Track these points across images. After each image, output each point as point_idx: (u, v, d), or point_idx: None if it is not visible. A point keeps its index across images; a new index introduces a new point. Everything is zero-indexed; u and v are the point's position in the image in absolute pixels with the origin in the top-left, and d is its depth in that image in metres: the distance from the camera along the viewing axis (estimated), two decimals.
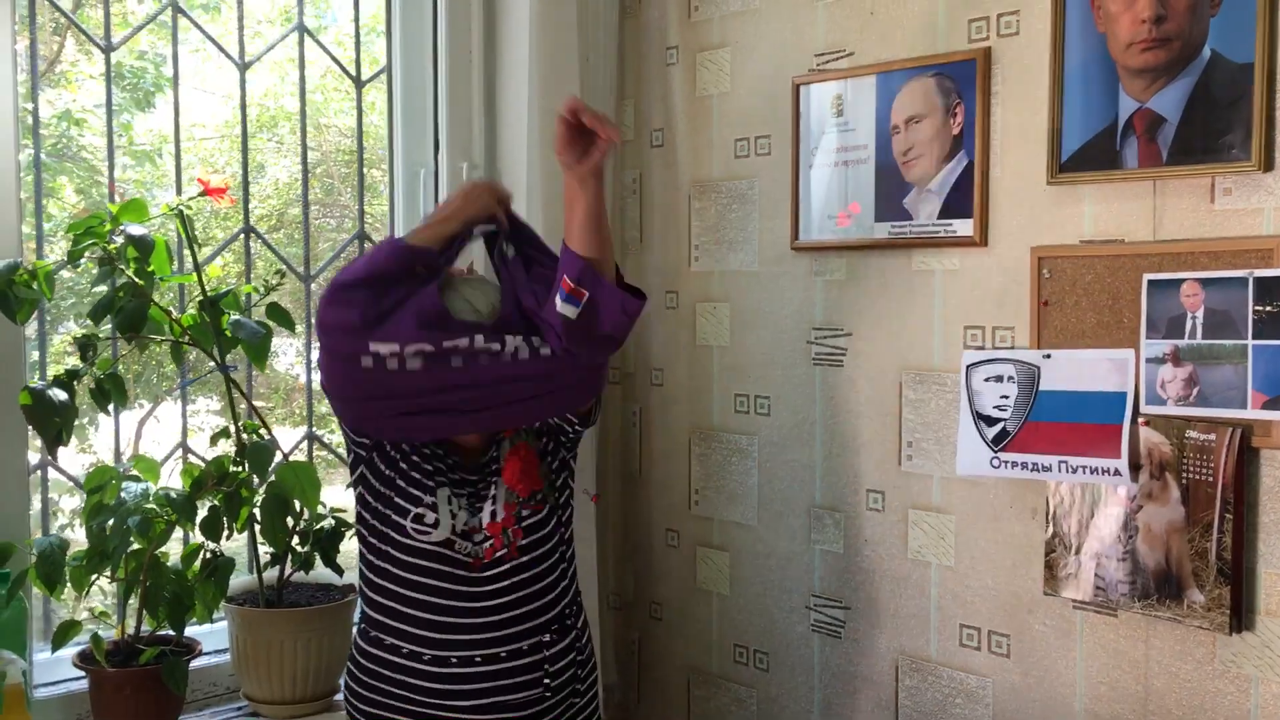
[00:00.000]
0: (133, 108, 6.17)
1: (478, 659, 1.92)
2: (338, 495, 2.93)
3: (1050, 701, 2.14)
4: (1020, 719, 2.18)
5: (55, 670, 2.35)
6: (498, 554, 1.95)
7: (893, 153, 2.31)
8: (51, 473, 2.43)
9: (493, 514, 1.96)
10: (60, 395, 2.03)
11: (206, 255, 2.86)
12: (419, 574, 1.94)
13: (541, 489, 1.99)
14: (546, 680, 1.96)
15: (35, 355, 2.39)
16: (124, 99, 6.24)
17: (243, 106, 2.69)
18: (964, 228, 2.21)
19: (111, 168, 2.60)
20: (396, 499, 1.96)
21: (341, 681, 2.13)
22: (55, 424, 2.01)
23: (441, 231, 1.91)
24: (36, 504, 2.38)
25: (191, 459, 2.50)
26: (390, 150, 2.87)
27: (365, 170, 2.97)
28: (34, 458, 2.34)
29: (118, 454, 2.60)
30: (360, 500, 2.02)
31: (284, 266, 2.55)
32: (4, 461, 2.21)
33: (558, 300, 1.84)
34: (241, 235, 2.70)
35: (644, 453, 2.84)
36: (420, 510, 1.94)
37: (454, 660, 1.92)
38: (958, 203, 2.21)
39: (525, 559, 1.96)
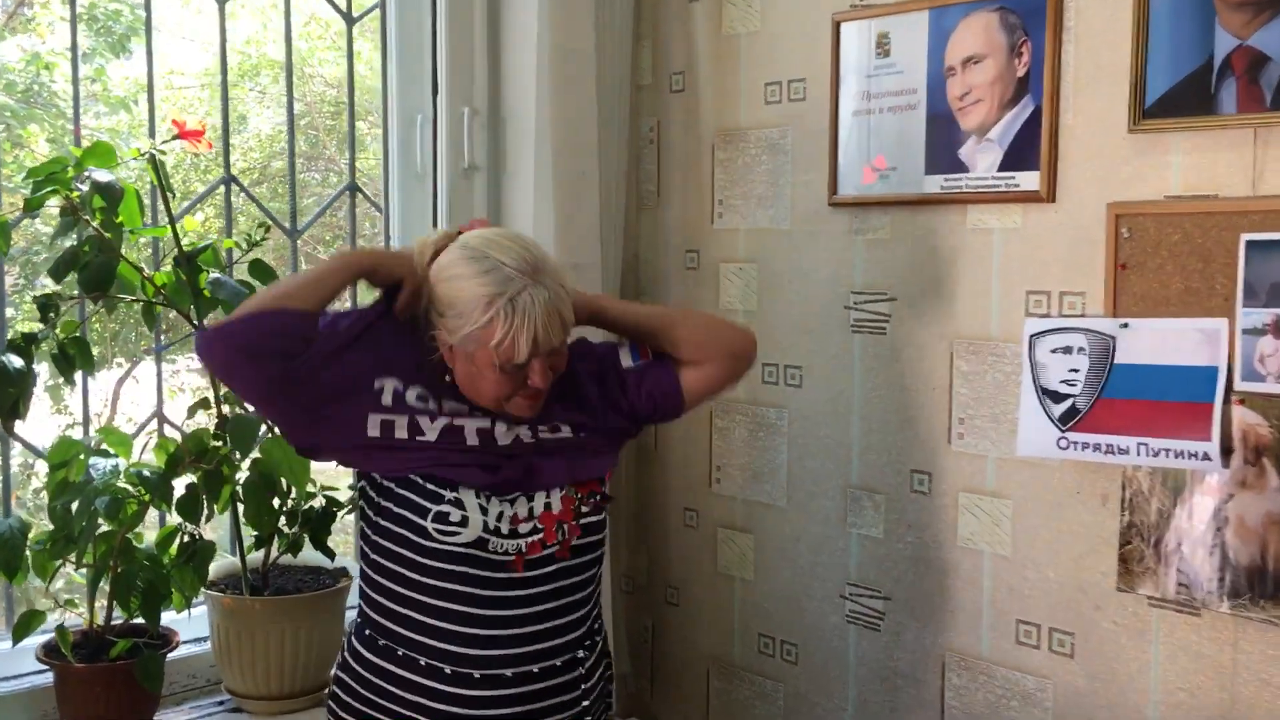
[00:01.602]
0: (106, 53, 5.88)
1: (508, 675, 1.65)
2: (328, 472, 2.70)
3: (1119, 707, 1.94)
4: None
5: (19, 663, 2.13)
6: (547, 550, 1.67)
7: (947, 98, 2.08)
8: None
9: (547, 505, 1.69)
10: (15, 362, 1.80)
11: (183, 208, 2.62)
12: (443, 579, 1.65)
13: (602, 490, 1.75)
14: (585, 703, 1.71)
15: None
16: (97, 44, 5.94)
17: (222, 45, 2.43)
18: (1028, 181, 1.98)
19: (77, 109, 2.35)
20: (411, 495, 1.67)
21: (332, 677, 1.84)
22: (10, 394, 1.78)
23: (322, 290, 1.65)
24: None
25: (168, 430, 2.27)
26: (384, 94, 2.62)
27: (355, 120, 2.72)
28: None
29: (86, 424, 2.37)
30: (364, 495, 1.74)
31: (268, 220, 2.30)
32: None
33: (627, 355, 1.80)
34: (222, 186, 2.45)
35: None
36: (443, 508, 1.64)
37: (478, 677, 1.64)
38: (1022, 153, 1.99)
39: (573, 562, 1.70)
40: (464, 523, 1.63)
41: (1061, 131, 1.95)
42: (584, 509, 1.70)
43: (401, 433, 1.65)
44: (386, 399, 1.67)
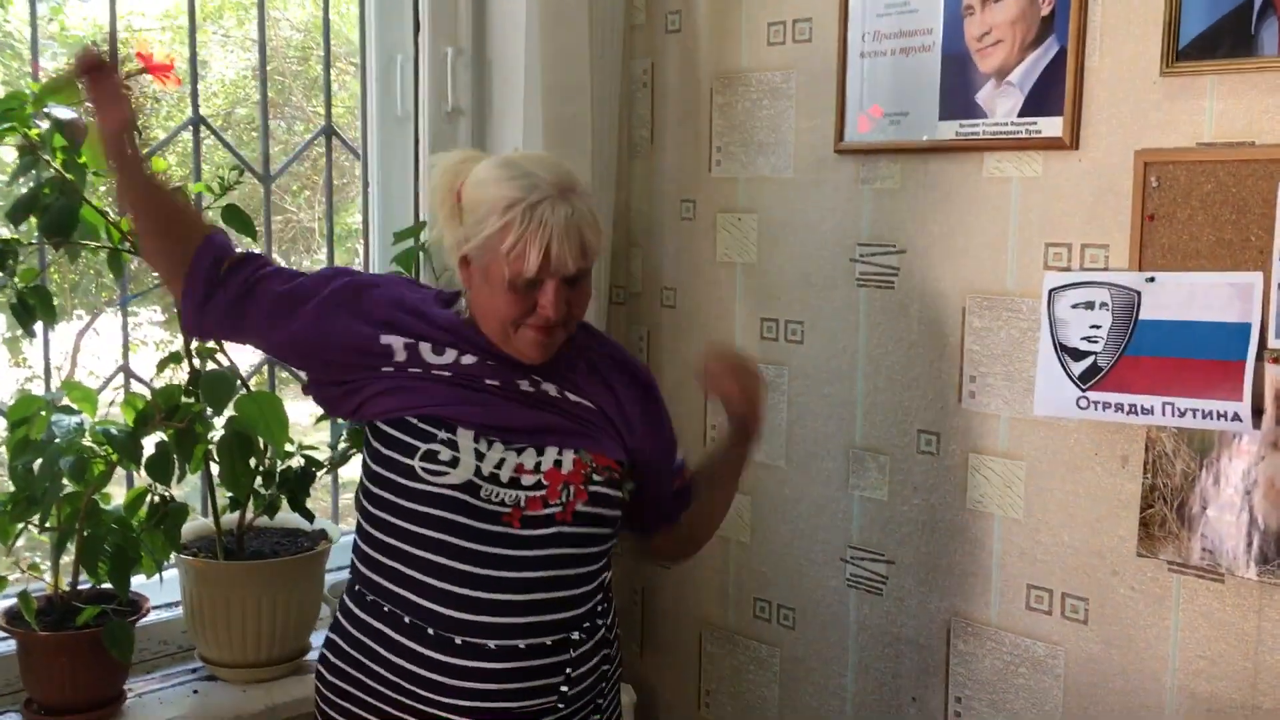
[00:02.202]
0: None
1: (491, 646, 1.54)
2: (304, 421, 2.58)
3: (1135, 675, 1.87)
4: (1099, 693, 1.91)
5: None
6: (549, 509, 1.56)
7: (964, 38, 1.97)
8: None
9: (557, 462, 1.59)
10: None
11: (149, 150, 2.47)
12: (430, 526, 1.54)
13: (620, 469, 1.66)
14: (564, 688, 1.59)
15: None
16: None
17: None
18: (1051, 127, 1.88)
19: (35, 44, 2.19)
20: (404, 435, 1.57)
21: (317, 657, 1.73)
22: None
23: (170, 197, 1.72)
24: None
25: (135, 386, 2.15)
26: (361, 32, 2.48)
27: (330, 61, 2.58)
28: None
29: (48, 379, 2.24)
30: (365, 443, 1.66)
31: (240, 165, 2.16)
32: None
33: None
34: (190, 128, 2.31)
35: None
36: (433, 446, 1.55)
37: (459, 643, 1.54)
38: (1044, 98, 1.88)
39: (576, 530, 1.58)
40: (454, 463, 1.54)
41: (1087, 74, 1.85)
42: (596, 478, 1.60)
43: (415, 369, 1.60)
44: (399, 355, 1.61)
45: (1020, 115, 1.91)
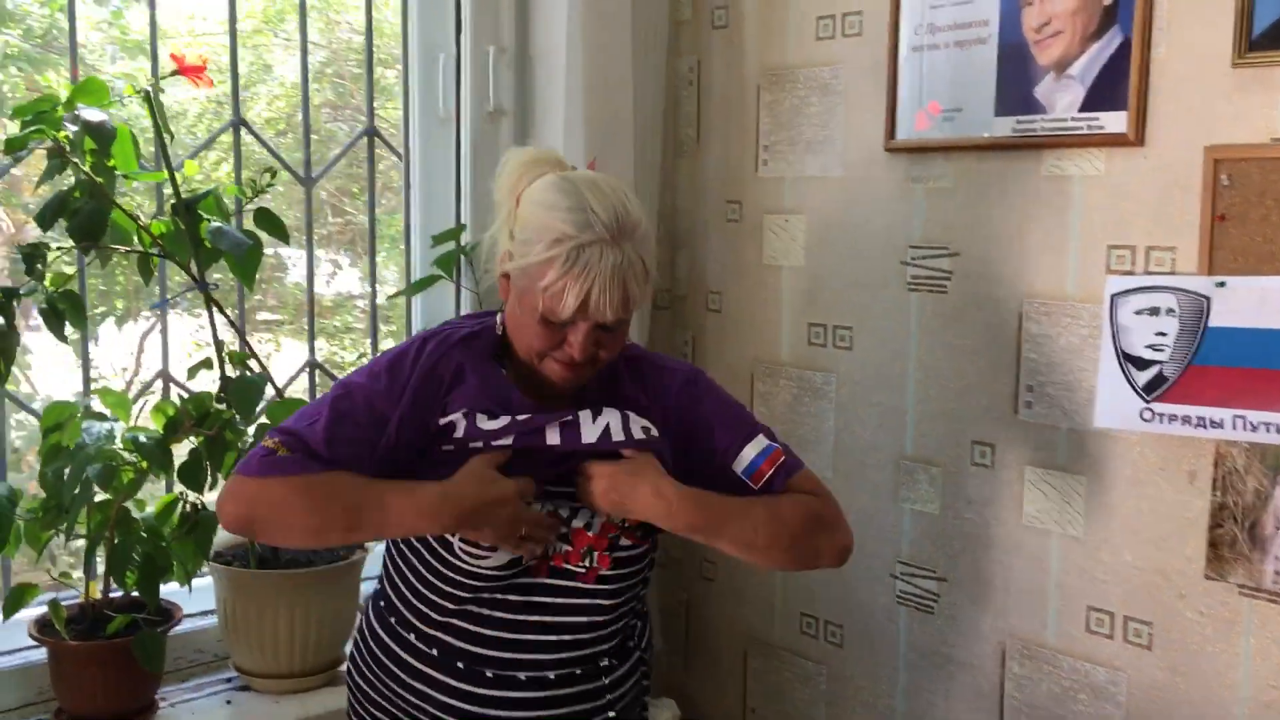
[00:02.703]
0: None
1: (522, 678, 1.50)
2: None
3: (1202, 704, 1.76)
4: None
5: (13, 637, 1.99)
6: (571, 568, 1.51)
7: (1022, 29, 1.87)
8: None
9: (587, 525, 1.51)
10: None
11: (191, 152, 2.45)
12: (463, 588, 1.51)
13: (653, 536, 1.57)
14: (612, 714, 1.54)
15: None
16: None
17: None
18: (1114, 122, 1.78)
19: (74, 45, 2.17)
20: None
21: (346, 660, 1.73)
22: None
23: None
24: None
25: (175, 392, 2.12)
26: (404, 32, 2.44)
27: (373, 60, 2.54)
28: None
29: (87, 385, 2.23)
30: None
31: (275, 166, 2.13)
32: None
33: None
34: (231, 130, 2.28)
35: None
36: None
37: (490, 676, 1.50)
38: (1107, 92, 1.78)
39: (598, 588, 1.52)
40: (495, 547, 1.46)
41: (1153, 66, 1.74)
42: (623, 541, 1.52)
43: (476, 444, 1.47)
44: (459, 430, 1.49)
45: (1081, 110, 1.81)
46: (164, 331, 2.34)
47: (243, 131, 2.27)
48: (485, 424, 1.48)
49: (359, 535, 1.48)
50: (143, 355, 3.46)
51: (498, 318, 1.59)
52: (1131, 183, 1.78)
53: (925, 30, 1.99)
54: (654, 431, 1.54)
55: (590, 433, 1.50)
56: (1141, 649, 1.82)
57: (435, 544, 1.50)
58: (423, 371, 1.49)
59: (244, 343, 2.02)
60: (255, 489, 1.42)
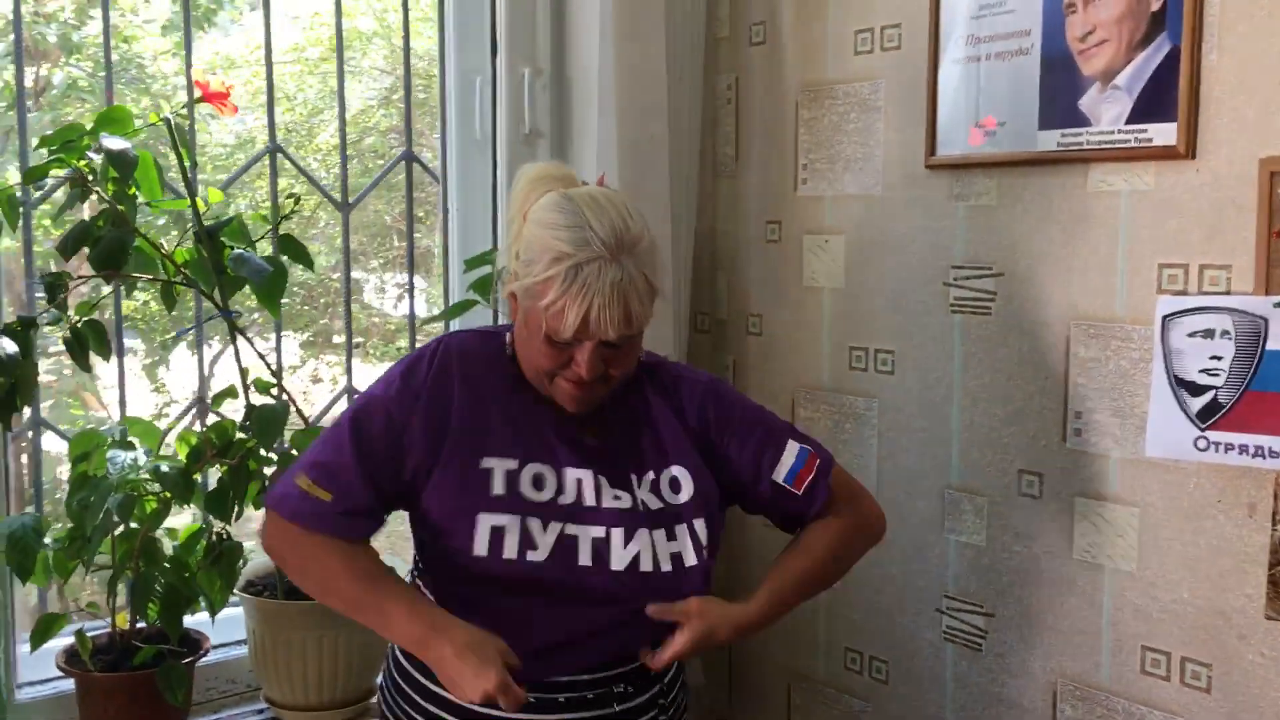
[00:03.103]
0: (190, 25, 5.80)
1: (532, 700, 1.44)
2: None
3: None
4: None
5: (44, 667, 1.99)
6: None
7: (1066, 39, 1.79)
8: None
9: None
10: (7, 348, 1.63)
11: (227, 179, 2.46)
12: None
13: None
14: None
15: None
16: (176, 16, 5.87)
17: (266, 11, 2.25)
18: (1163, 135, 1.68)
19: (109, 72, 2.18)
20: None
21: (378, 684, 1.70)
22: (1, 385, 1.61)
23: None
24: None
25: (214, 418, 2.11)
26: (441, 55, 2.42)
27: (410, 84, 2.53)
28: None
29: (123, 408, 2.23)
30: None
31: (294, 194, 2.10)
32: None
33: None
34: (268, 156, 2.27)
35: None
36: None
37: (531, 700, 1.46)
38: (1155, 102, 1.69)
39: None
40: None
41: (1204, 75, 1.65)
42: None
43: (510, 551, 1.45)
44: (498, 486, 1.48)
45: (1129, 122, 1.72)
46: (200, 359, 2.35)
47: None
48: (530, 492, 1.48)
49: (359, 621, 1.50)
50: (211, 380, 3.49)
51: (506, 337, 1.56)
52: (1183, 198, 1.69)
53: (966, 42, 1.92)
54: (682, 497, 1.53)
55: (620, 558, 1.48)
56: (1200, 692, 1.71)
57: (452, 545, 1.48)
58: (436, 372, 1.50)
59: (278, 370, 1.99)
60: (285, 534, 1.49)
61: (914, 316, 2.04)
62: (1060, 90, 1.80)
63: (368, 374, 2.01)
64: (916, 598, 2.08)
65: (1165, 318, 1.68)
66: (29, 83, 5.26)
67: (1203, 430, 1.63)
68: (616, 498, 1.50)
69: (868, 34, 2.09)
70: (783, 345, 2.28)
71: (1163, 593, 1.75)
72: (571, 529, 1.47)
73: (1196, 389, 1.64)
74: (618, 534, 1.48)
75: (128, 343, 2.78)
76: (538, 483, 1.49)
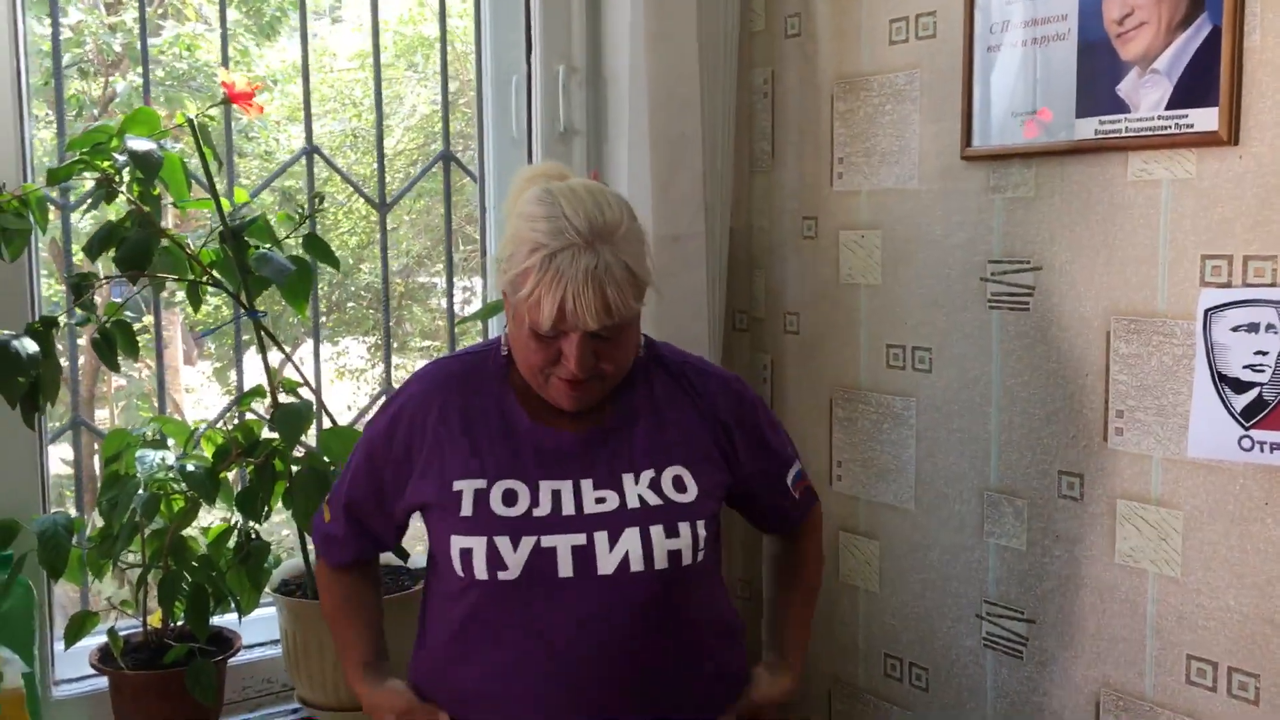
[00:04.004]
0: (255, 34, 5.91)
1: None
2: None
3: None
4: None
5: (81, 665, 2.01)
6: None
7: (1103, 22, 1.72)
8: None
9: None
10: (29, 347, 1.64)
11: (265, 180, 2.48)
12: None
13: None
14: None
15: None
16: (243, 24, 5.98)
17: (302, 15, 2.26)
18: (1204, 120, 1.61)
19: (146, 76, 2.21)
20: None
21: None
22: (21, 383, 1.63)
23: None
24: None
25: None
26: (477, 54, 2.41)
27: (448, 83, 2.52)
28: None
29: (163, 409, 2.26)
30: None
31: (320, 194, 2.10)
32: (4, 421, 1.83)
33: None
34: (305, 157, 2.28)
35: (776, 414, 2.33)
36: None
37: None
38: (1196, 86, 1.61)
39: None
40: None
41: (1246, 56, 1.57)
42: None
43: (481, 572, 1.46)
44: (466, 507, 1.48)
45: (1169, 108, 1.65)
46: (238, 359, 2.37)
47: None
48: (500, 509, 1.48)
49: None
50: (277, 381, 3.54)
51: (501, 338, 1.55)
52: (1225, 186, 1.61)
53: (1000, 28, 1.85)
54: (687, 495, 1.51)
55: (608, 563, 1.46)
56: (1248, 704, 1.63)
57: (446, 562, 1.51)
58: (407, 421, 1.56)
59: (315, 371, 2.00)
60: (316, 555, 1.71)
61: (951, 313, 1.98)
62: (1098, 76, 1.73)
63: None
64: (956, 603, 2.02)
65: (1208, 311, 1.60)
66: (96, 92, 5.40)
67: (1247, 429, 1.56)
68: (600, 501, 1.47)
69: (902, 23, 2.03)
70: (820, 344, 2.23)
71: (1207, 599, 1.67)
72: (548, 541, 1.45)
73: (1240, 386, 1.56)
74: (601, 537, 1.45)
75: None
76: (509, 499, 1.47)
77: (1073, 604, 1.84)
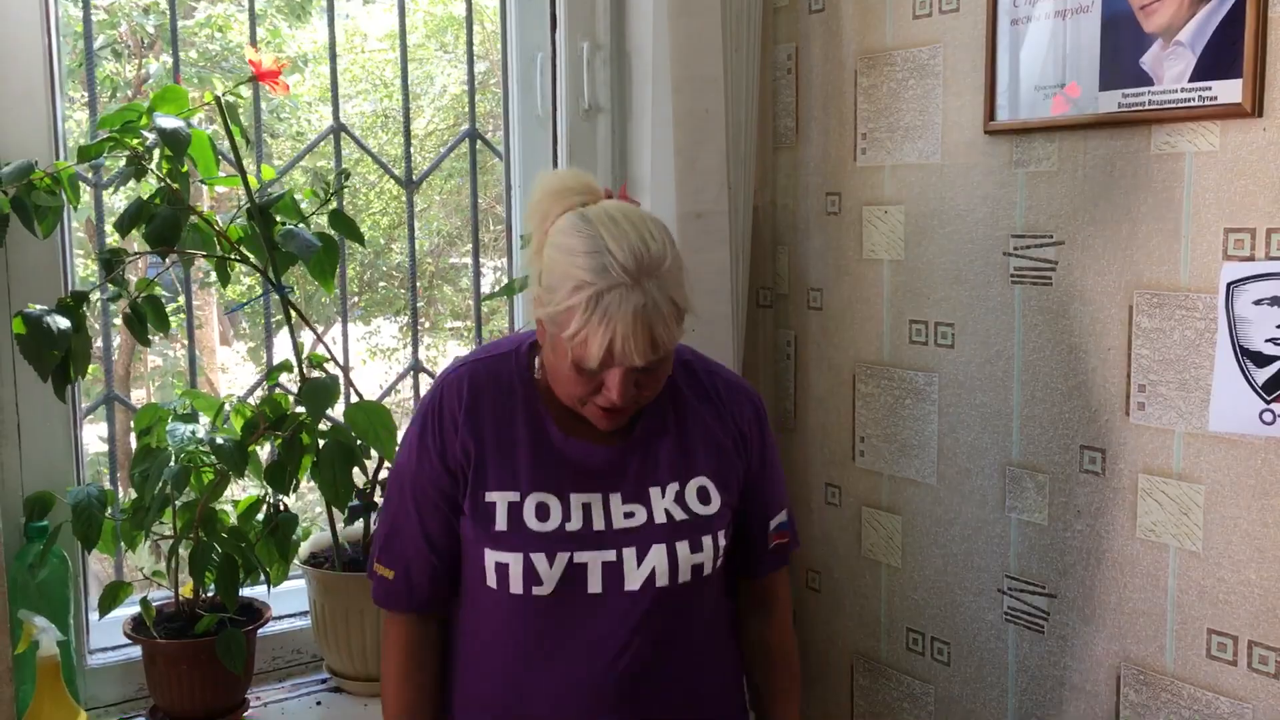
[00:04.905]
0: (286, 15, 5.94)
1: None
2: None
3: None
4: None
5: (115, 634, 2.05)
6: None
7: None
8: None
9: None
10: (60, 322, 1.68)
11: (293, 159, 2.50)
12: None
13: None
14: None
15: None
16: (275, 4, 6.01)
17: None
18: (1228, 92, 1.60)
19: (176, 56, 2.24)
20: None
21: None
22: (53, 356, 1.66)
23: None
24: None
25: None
26: (503, 31, 2.42)
27: (474, 60, 2.53)
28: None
29: (194, 384, 2.29)
30: None
31: (345, 170, 2.12)
32: (40, 397, 1.87)
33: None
34: (332, 135, 2.31)
35: (799, 390, 2.34)
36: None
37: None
38: (1219, 58, 1.60)
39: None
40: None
41: (1271, 27, 1.56)
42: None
43: (516, 586, 1.47)
44: (500, 521, 1.48)
45: (1192, 80, 1.63)
46: (267, 334, 2.40)
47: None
48: (534, 524, 1.48)
49: None
50: (305, 359, 3.59)
51: (526, 349, 1.56)
52: (1249, 158, 1.60)
53: (1024, 2, 1.84)
54: (711, 507, 1.52)
55: (634, 578, 1.47)
56: (1269, 678, 1.63)
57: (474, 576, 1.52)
58: (445, 427, 1.52)
59: (344, 346, 2.02)
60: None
61: (974, 288, 1.98)
62: (1121, 48, 1.72)
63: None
64: (977, 578, 2.02)
65: (1231, 285, 1.60)
66: (130, 74, 5.46)
67: (1269, 403, 1.55)
68: (629, 515, 1.48)
69: None
70: (843, 320, 2.24)
71: (1229, 574, 1.66)
72: (581, 556, 1.46)
73: (1263, 359, 1.56)
74: (630, 554, 1.46)
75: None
76: (541, 513, 1.47)
77: (1094, 578, 1.84)
